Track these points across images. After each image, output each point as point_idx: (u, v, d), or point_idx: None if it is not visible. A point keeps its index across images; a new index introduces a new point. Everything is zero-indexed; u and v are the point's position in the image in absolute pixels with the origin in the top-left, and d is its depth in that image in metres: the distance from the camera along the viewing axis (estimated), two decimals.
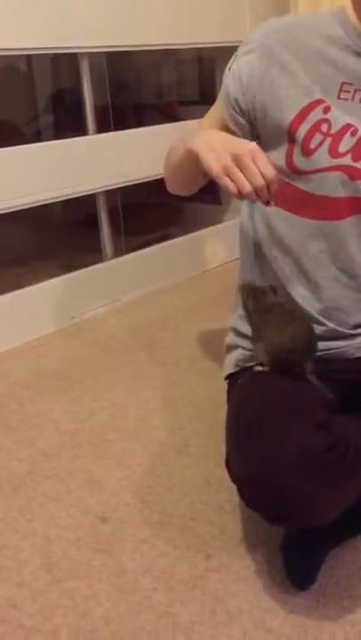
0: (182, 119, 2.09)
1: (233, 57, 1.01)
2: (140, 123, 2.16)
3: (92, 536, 1.02)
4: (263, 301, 0.97)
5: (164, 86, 2.29)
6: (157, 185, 1.97)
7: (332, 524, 0.83)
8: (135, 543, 1.00)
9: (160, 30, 1.83)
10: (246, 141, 0.86)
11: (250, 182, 0.83)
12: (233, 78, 0.99)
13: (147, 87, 2.29)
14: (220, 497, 1.08)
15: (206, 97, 2.26)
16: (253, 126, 1.00)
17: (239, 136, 1.04)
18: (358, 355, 1.07)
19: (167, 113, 2.21)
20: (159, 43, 1.86)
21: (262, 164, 0.83)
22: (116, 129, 1.84)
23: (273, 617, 0.86)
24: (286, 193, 1.00)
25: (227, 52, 2.07)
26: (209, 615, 0.87)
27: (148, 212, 2.13)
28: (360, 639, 0.82)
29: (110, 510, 1.07)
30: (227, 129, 1.03)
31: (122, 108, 2.07)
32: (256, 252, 1.10)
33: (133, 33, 1.77)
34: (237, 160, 0.84)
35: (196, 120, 1.05)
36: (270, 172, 0.84)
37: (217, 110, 1.05)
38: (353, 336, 1.07)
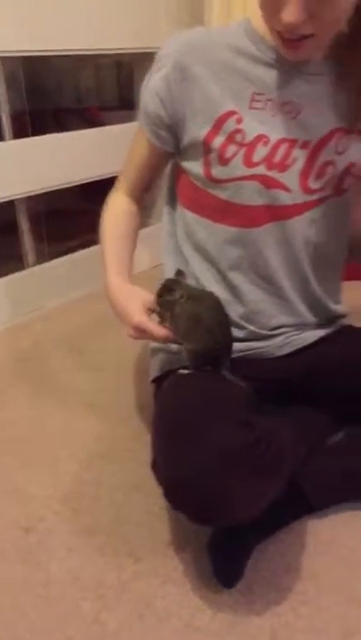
0: (103, 124, 2.08)
1: (147, 75, 1.02)
2: (59, 128, 2.14)
3: (18, 547, 1.00)
4: (173, 297, 0.98)
5: (84, 91, 2.28)
6: (81, 191, 1.96)
7: (256, 520, 0.84)
8: (63, 552, 0.99)
9: (76, 36, 1.82)
10: (132, 314, 0.96)
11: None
12: (150, 96, 1.00)
13: (66, 92, 2.27)
14: (149, 500, 1.08)
15: (126, 102, 2.26)
16: (177, 139, 1.02)
17: (164, 151, 1.05)
18: (278, 354, 1.10)
19: (87, 118, 2.20)
20: (75, 48, 1.85)
21: (151, 334, 0.95)
22: (35, 134, 1.81)
23: (201, 616, 0.87)
24: (206, 201, 1.02)
25: (144, 57, 2.08)
26: (137, 619, 0.87)
27: (72, 219, 2.11)
28: (286, 630, 0.84)
29: (37, 520, 1.06)
30: (153, 147, 1.05)
31: (40, 113, 2.04)
32: (178, 256, 1.12)
33: (49, 38, 1.75)
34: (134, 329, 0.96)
35: (134, 124, 1.06)
36: (161, 336, 0.94)
37: (141, 132, 1.06)
38: (273, 336, 1.10)
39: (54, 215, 2.04)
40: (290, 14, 0.81)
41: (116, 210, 1.14)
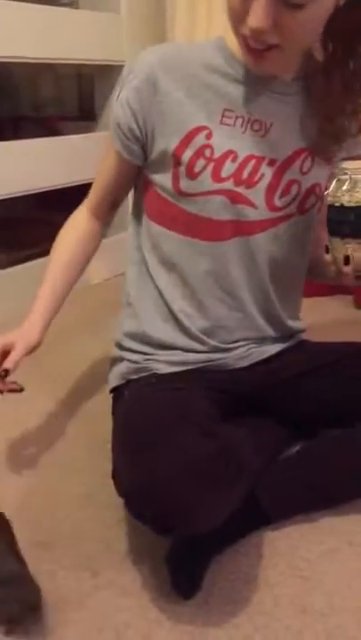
0: (61, 134, 2.08)
1: (119, 86, 1.02)
2: (17, 135, 2.12)
3: None
4: None
5: (43, 100, 2.27)
6: (38, 200, 1.95)
7: (214, 531, 0.85)
8: None
9: (37, 44, 1.82)
10: None
11: None
12: (122, 108, 1.00)
13: (25, 100, 2.25)
14: (105, 512, 1.07)
15: (85, 113, 2.26)
16: (145, 153, 1.02)
17: (134, 166, 1.06)
18: (237, 365, 1.12)
19: (46, 127, 2.19)
20: (35, 56, 1.84)
21: None
22: None
23: (160, 628, 0.86)
24: (173, 214, 1.03)
25: (106, 69, 2.09)
26: (96, 633, 0.85)
27: (29, 227, 2.09)
28: None
29: None
30: (123, 162, 1.05)
31: None
32: (141, 268, 1.12)
33: (9, 44, 1.74)
34: None
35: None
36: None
37: (110, 146, 1.06)
38: (232, 349, 1.11)
39: (11, 223, 2.01)
40: (256, 19, 0.82)
41: (75, 229, 1.15)
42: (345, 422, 1.07)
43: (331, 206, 0.91)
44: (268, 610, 0.89)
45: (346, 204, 0.88)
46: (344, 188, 0.88)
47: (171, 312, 1.08)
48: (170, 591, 0.91)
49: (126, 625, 0.87)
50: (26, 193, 1.87)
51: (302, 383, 1.13)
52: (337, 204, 0.89)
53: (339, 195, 0.89)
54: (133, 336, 1.11)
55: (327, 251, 0.94)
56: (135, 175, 1.09)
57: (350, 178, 0.88)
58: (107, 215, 1.17)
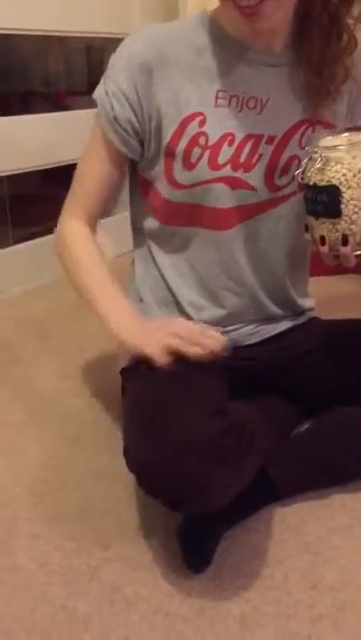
0: (70, 108, 2.05)
1: (104, 78, 0.97)
2: (26, 110, 2.09)
3: None
4: None
5: (52, 74, 2.24)
6: (45, 176, 1.93)
7: (225, 508, 0.85)
8: (29, 539, 0.97)
9: (46, 16, 1.79)
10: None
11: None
12: (117, 100, 0.95)
13: (34, 74, 2.22)
14: (116, 486, 1.07)
15: (94, 87, 2.22)
16: (143, 146, 0.99)
17: (127, 163, 1.02)
18: (247, 342, 1.11)
19: (55, 102, 2.16)
20: (44, 29, 1.82)
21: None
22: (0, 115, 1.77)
23: (171, 600, 0.87)
24: (174, 207, 1.01)
25: (116, 43, 2.05)
26: (107, 604, 0.86)
27: (37, 204, 2.07)
28: (255, 614, 0.85)
29: (1, 507, 1.04)
30: (117, 154, 1.00)
31: (6, 95, 2.00)
32: (147, 264, 1.11)
33: (17, 16, 1.71)
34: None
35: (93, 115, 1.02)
36: None
37: (98, 145, 1.00)
38: (239, 328, 1.11)
39: (20, 200, 2.00)
40: None
41: (88, 247, 1.06)
42: (355, 399, 1.06)
43: (306, 185, 0.89)
44: (279, 585, 0.90)
45: (318, 184, 0.86)
46: (316, 166, 0.86)
47: (178, 304, 1.08)
48: (180, 565, 0.92)
49: (137, 597, 0.87)
50: (34, 169, 1.86)
51: (312, 360, 1.12)
52: (311, 184, 0.87)
53: (310, 174, 0.87)
54: None
55: (306, 229, 0.93)
56: (125, 174, 1.05)
57: (321, 156, 0.85)
58: (97, 225, 1.08)
